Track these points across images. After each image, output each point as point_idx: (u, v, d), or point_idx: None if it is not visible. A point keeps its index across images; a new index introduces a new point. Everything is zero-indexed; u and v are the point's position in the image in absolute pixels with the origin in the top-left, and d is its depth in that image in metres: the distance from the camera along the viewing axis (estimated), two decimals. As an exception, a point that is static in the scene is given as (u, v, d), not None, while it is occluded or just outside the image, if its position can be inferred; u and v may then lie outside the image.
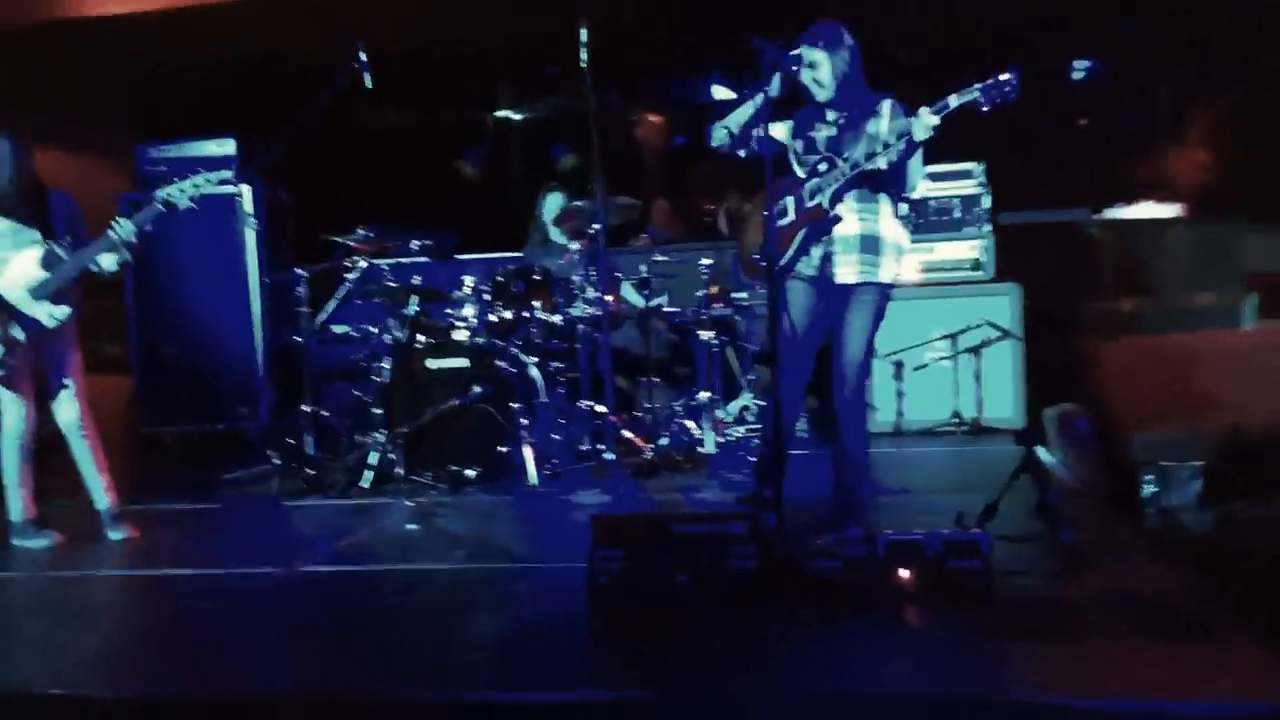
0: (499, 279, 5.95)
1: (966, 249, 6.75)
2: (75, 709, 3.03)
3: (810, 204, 4.16)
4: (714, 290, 6.47)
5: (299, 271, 6.21)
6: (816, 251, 4.20)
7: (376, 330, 6.17)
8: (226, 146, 7.49)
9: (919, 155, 4.06)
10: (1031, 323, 6.66)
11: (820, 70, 4.10)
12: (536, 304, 5.93)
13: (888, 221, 4.19)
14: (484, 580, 4.06)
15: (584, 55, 5.80)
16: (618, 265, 6.29)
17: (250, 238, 7.41)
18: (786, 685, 2.89)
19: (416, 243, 6.84)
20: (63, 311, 4.75)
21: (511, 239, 7.47)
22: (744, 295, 6.87)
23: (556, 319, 5.96)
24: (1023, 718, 2.66)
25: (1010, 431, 6.49)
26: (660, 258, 6.24)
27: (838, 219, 4.12)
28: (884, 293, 4.21)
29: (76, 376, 4.88)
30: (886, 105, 4.12)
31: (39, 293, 4.70)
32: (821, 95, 4.15)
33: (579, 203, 6.08)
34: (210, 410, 7.41)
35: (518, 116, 11.57)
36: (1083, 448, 5.60)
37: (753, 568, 3.45)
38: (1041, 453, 5.97)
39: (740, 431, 6.29)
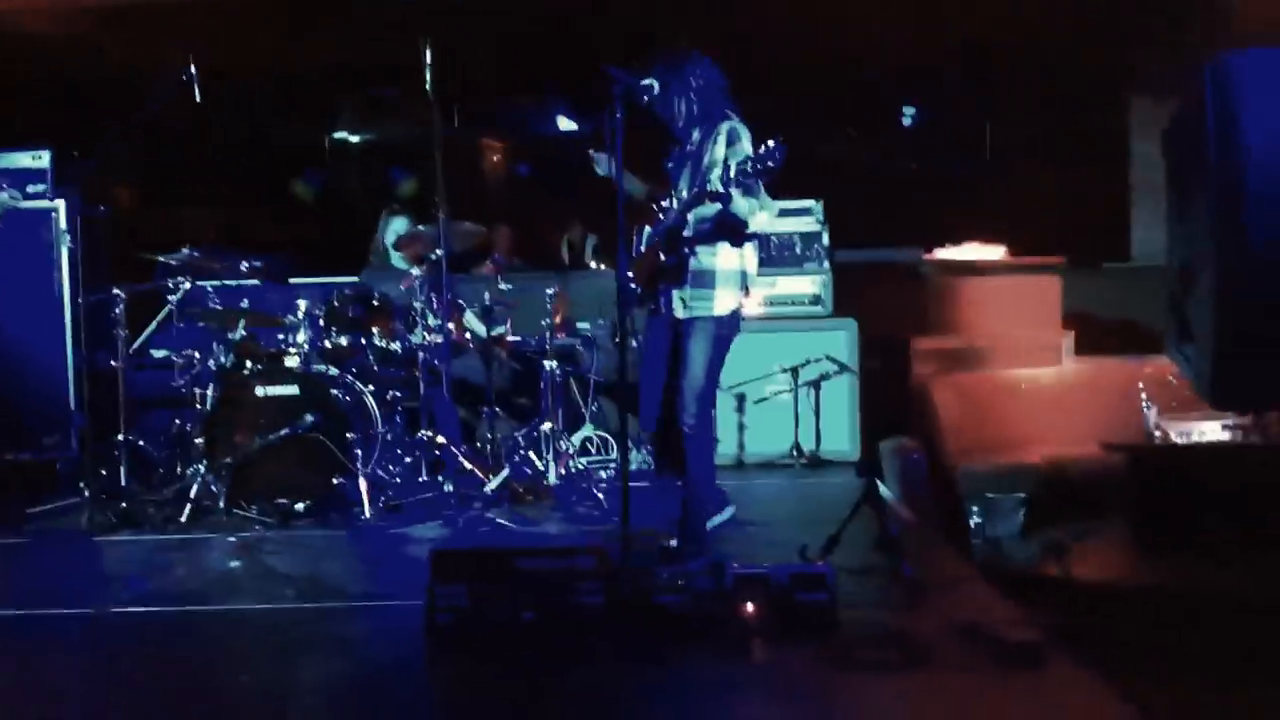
0: (335, 303, 5.74)
1: (807, 284, 6.88)
2: None
3: (648, 245, 4.19)
4: (558, 320, 6.40)
5: (116, 291, 5.85)
6: (661, 288, 4.22)
7: (199, 355, 5.86)
8: (41, 159, 7.01)
9: (746, 197, 4.03)
10: (866, 358, 6.81)
11: (668, 99, 4.10)
12: (375, 330, 5.74)
13: (725, 255, 4.20)
14: (315, 620, 3.86)
15: (428, 78, 5.69)
16: (460, 292, 6.15)
17: (64, 255, 6.95)
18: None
19: (246, 264, 6.56)
20: None
21: (350, 262, 7.26)
22: (586, 325, 6.82)
23: (395, 346, 5.78)
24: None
25: (847, 464, 6.64)
26: (504, 285, 6.13)
27: (671, 260, 4.15)
28: (720, 324, 4.22)
29: None
30: (723, 132, 4.11)
31: None
32: (677, 123, 4.15)
33: (421, 227, 5.93)
34: (13, 438, 6.88)
35: (356, 138, 11.32)
36: (917, 480, 5.74)
37: (600, 603, 3.37)
38: (879, 486, 6.11)
39: (583, 463, 6.21)
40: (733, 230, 4.10)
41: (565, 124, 10.12)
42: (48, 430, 6.94)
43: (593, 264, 9.69)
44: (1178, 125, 5.13)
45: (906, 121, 11.29)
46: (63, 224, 6.91)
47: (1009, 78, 10.17)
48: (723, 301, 4.19)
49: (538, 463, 6.00)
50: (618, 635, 3.33)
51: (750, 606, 3.30)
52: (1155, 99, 10.02)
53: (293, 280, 7.31)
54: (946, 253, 8.66)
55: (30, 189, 6.97)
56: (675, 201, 4.14)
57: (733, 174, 3.80)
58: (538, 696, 3.04)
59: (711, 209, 4.02)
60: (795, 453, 6.59)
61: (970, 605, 3.60)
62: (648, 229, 4.26)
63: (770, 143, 3.74)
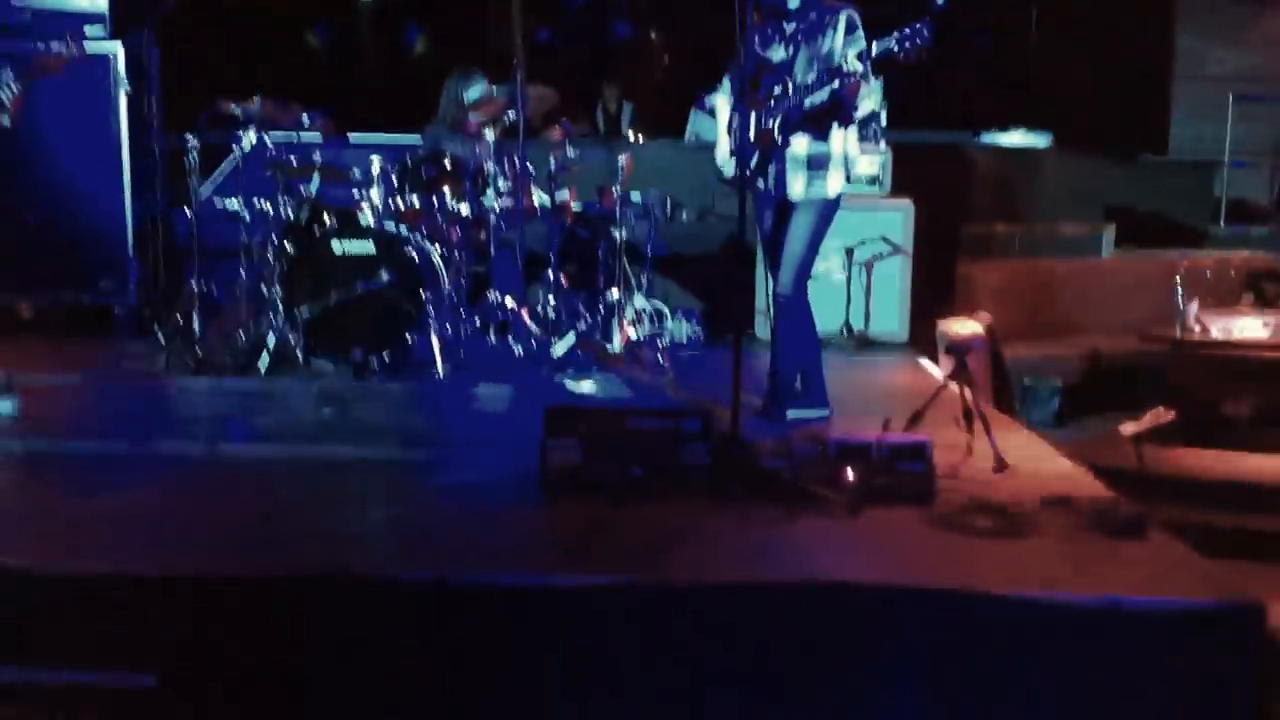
0: (409, 163, 5.77)
1: (866, 164, 6.89)
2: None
3: (765, 127, 4.24)
4: (614, 188, 6.43)
5: (189, 138, 5.86)
6: (771, 169, 4.29)
7: (270, 207, 5.90)
8: (98, 1, 6.93)
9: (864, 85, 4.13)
10: (921, 241, 6.89)
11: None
12: (446, 191, 5.78)
13: (835, 138, 4.30)
14: (416, 466, 4.03)
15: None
16: (527, 158, 6.16)
17: (122, 99, 6.92)
18: (743, 575, 3.00)
19: (308, 118, 6.56)
20: None
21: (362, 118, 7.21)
22: (637, 196, 6.86)
23: (465, 208, 5.83)
24: (985, 609, 2.84)
25: (895, 344, 6.79)
26: (571, 152, 6.15)
27: (786, 143, 4.21)
28: (829, 204, 4.33)
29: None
30: (842, 19, 4.16)
31: None
32: (791, 3, 4.16)
33: (495, 90, 5.92)
34: (71, 282, 6.96)
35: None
36: (967, 359, 5.88)
37: (705, 464, 3.53)
38: (929, 365, 6.27)
39: (644, 331, 6.32)
40: (844, 113, 4.17)
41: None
42: (104, 275, 7.03)
43: (629, 133, 9.66)
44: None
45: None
46: (120, 68, 6.87)
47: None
48: (833, 183, 4.29)
49: (598, 329, 6.12)
50: (722, 494, 3.50)
51: (851, 473, 3.46)
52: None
53: (352, 136, 7.33)
54: (994, 137, 8.68)
55: (88, 30, 6.91)
56: (788, 82, 4.17)
57: (874, 54, 3.84)
58: (645, 537, 3.21)
59: (825, 91, 4.08)
60: (845, 331, 6.72)
61: (1058, 481, 3.76)
62: (751, 116, 4.30)
63: (917, 24, 3.79)
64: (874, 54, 3.95)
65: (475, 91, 6.34)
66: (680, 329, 6.81)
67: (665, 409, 3.98)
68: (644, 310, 6.70)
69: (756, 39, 4.36)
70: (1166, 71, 10.22)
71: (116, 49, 6.85)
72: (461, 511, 3.52)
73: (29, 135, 6.80)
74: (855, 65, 3.95)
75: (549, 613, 2.87)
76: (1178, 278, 6.93)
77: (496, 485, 3.76)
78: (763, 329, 7.04)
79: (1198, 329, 6.86)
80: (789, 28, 4.24)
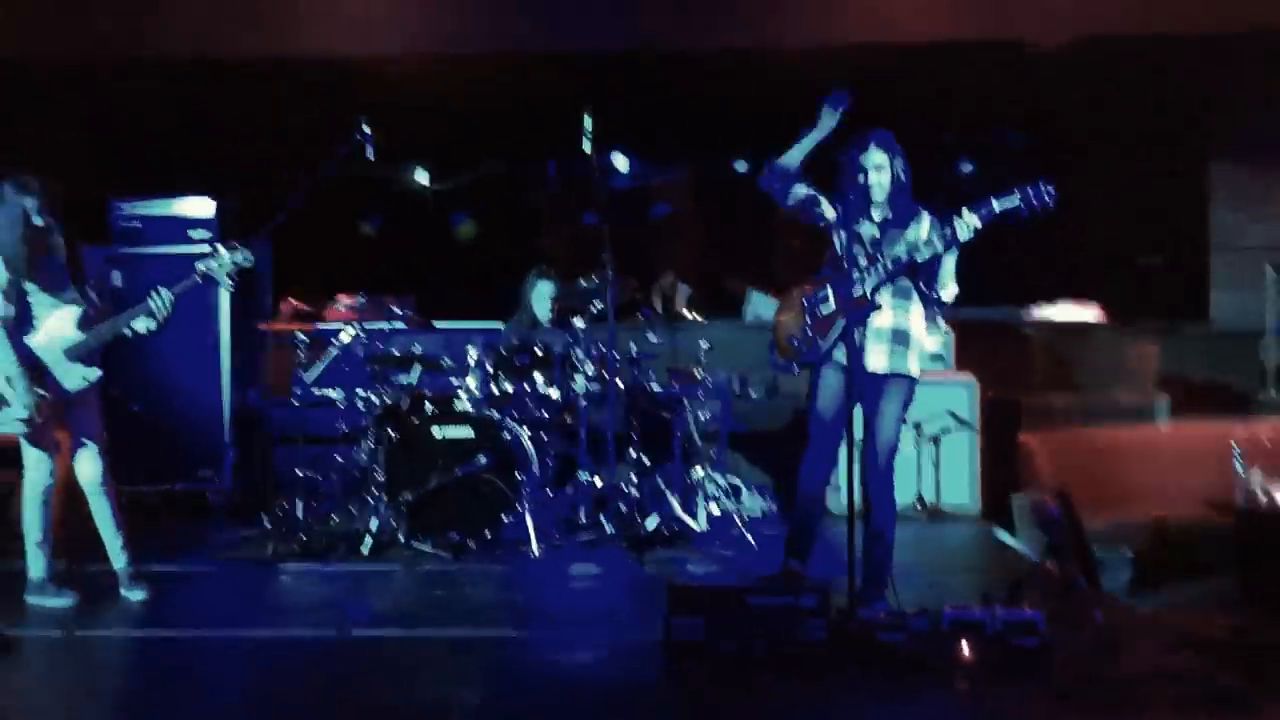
0: (503, 351, 6.11)
1: (930, 342, 7.16)
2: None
3: (855, 295, 4.46)
4: (687, 368, 6.74)
5: (298, 333, 6.26)
6: (850, 340, 4.50)
7: (371, 396, 6.23)
8: (206, 207, 7.45)
9: (953, 259, 4.45)
10: (986, 414, 7.12)
11: (883, 173, 4.46)
12: (537, 377, 6.10)
13: (917, 319, 4.57)
14: (536, 645, 4.20)
15: (587, 141, 6.11)
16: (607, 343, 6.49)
17: (224, 297, 7.37)
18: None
19: (397, 309, 6.97)
20: (93, 373, 4.77)
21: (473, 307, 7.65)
22: (700, 374, 7.15)
23: (554, 393, 6.14)
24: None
25: (967, 517, 6.94)
26: (653, 337, 6.49)
27: (877, 307, 4.45)
28: (912, 383, 4.56)
29: (99, 434, 4.87)
30: (926, 216, 4.51)
31: (72, 354, 4.70)
32: (877, 195, 4.48)
33: (583, 282, 6.30)
34: (170, 470, 7.27)
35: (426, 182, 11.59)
36: (1055, 533, 6.02)
37: (824, 638, 3.70)
38: (1007, 537, 6.42)
39: (724, 508, 6.51)
40: (926, 297, 4.45)
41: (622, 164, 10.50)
42: (203, 463, 7.35)
43: (686, 313, 10.04)
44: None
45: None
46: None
47: (1089, 141, 10.51)
48: (914, 362, 4.53)
49: (678, 507, 6.32)
50: (841, 668, 3.65)
51: (966, 647, 3.61)
52: (1234, 164, 10.40)
53: (437, 325, 7.73)
54: (1045, 311, 9.00)
55: (194, 235, 7.43)
56: (875, 264, 4.44)
57: (998, 211, 4.12)
58: (768, 709, 3.35)
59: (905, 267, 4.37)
60: (919, 505, 6.89)
61: (1160, 653, 3.88)
62: (829, 288, 4.58)
63: (1040, 183, 4.08)
64: (998, 211, 4.17)
65: (543, 292, 6.75)
66: (754, 504, 6.99)
67: (784, 585, 4.14)
68: (721, 486, 6.92)
69: (843, 213, 4.57)
70: (1203, 243, 10.59)
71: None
72: (590, 687, 3.68)
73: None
74: (966, 230, 4.22)
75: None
76: (1236, 446, 7.08)
77: (614, 661, 3.93)
78: (835, 504, 7.24)
79: (1263, 497, 6.97)
80: (878, 213, 4.55)
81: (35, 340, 4.68)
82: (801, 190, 4.65)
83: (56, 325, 4.71)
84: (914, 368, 4.56)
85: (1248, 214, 10.57)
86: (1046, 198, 4.13)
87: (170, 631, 4.43)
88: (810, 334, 4.54)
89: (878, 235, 4.51)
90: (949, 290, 4.51)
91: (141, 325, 4.77)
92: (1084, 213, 10.71)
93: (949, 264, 4.46)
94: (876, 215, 4.54)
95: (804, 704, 3.46)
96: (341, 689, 3.76)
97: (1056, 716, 3.34)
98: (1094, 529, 7.34)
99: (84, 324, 4.73)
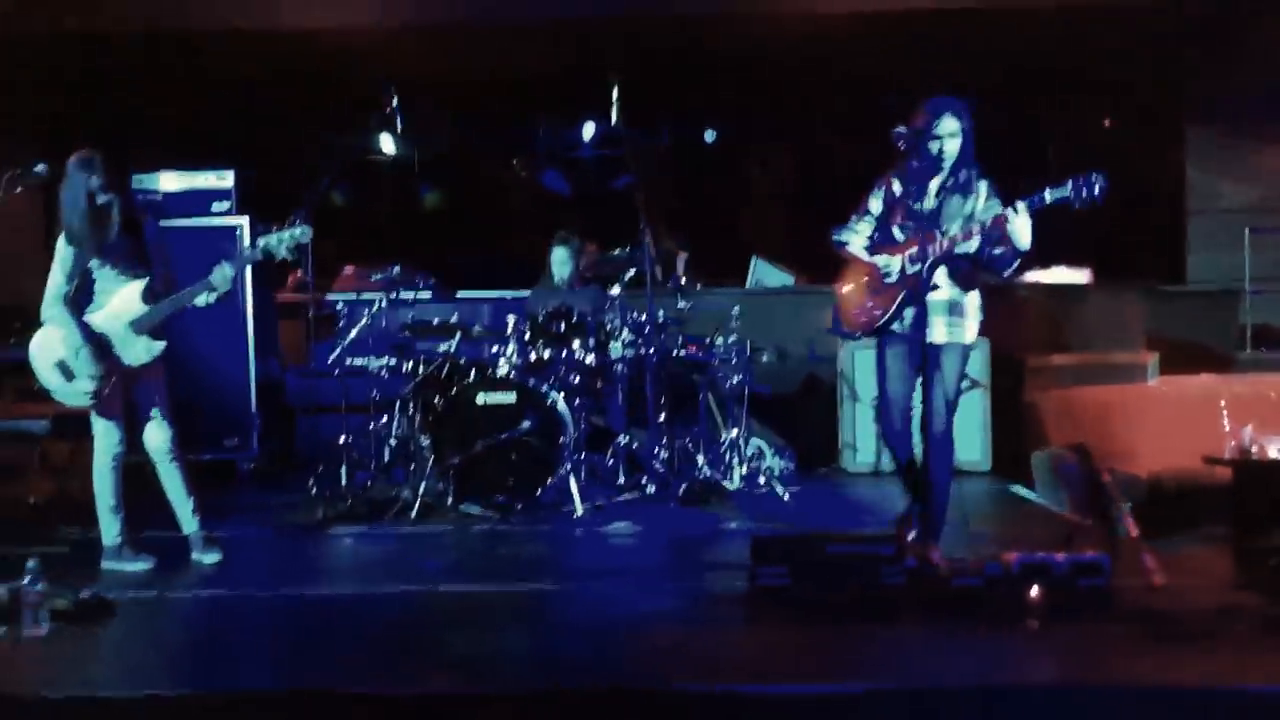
0: (539, 319, 6.26)
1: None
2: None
3: (911, 271, 4.65)
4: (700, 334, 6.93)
5: (337, 301, 6.37)
6: (910, 312, 4.71)
7: (411, 364, 6.36)
8: (225, 179, 7.50)
9: (1017, 240, 4.58)
10: (996, 375, 7.39)
11: (955, 140, 4.56)
12: (574, 344, 6.26)
13: (973, 290, 4.77)
14: (611, 595, 4.39)
15: (615, 112, 6.26)
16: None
17: (247, 270, 7.43)
18: (948, 682, 3.36)
19: (421, 280, 7.09)
20: (159, 345, 4.86)
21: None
22: (719, 341, 7.35)
23: (590, 359, 6.30)
24: (1181, 702, 3.21)
25: (978, 473, 7.22)
26: (682, 304, 6.67)
27: (935, 286, 4.64)
28: (967, 349, 4.78)
29: (165, 403, 4.96)
30: (984, 186, 4.65)
31: (139, 326, 4.79)
32: (944, 164, 4.63)
33: (617, 251, 6.45)
34: (201, 440, 7.35)
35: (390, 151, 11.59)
36: (1076, 486, 6.31)
37: (902, 584, 3.92)
38: (1024, 491, 6.70)
39: (753, 467, 6.73)
40: (991, 267, 4.65)
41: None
42: (229, 433, 7.44)
43: (683, 280, 10.21)
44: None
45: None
46: (246, 240, 7.40)
47: (1070, 102, 10.81)
48: (971, 330, 4.75)
49: (707, 468, 6.52)
50: (918, 611, 3.88)
51: (1036, 590, 3.85)
52: (1207, 126, 10.76)
53: (460, 294, 7.86)
54: (1039, 275, 9.28)
55: (216, 207, 7.49)
56: (936, 232, 4.61)
57: (1049, 201, 4.28)
58: (852, 652, 3.59)
59: (972, 244, 4.54)
60: (934, 460, 7.13)
61: (1216, 588, 4.16)
62: (894, 258, 4.75)
63: (1091, 174, 4.22)
64: (1049, 202, 4.29)
65: (560, 258, 6.89)
66: (775, 464, 7.22)
67: (863, 534, 4.36)
68: (749, 446, 7.14)
69: (898, 186, 4.75)
70: (1181, 206, 10.95)
71: (243, 222, 7.41)
72: (684, 632, 3.89)
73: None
74: (995, 208, 4.42)
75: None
76: (1223, 402, 7.41)
77: (696, 607, 4.14)
78: (850, 462, 7.50)
79: (1255, 449, 7.30)
80: (935, 183, 4.71)
81: (101, 314, 4.76)
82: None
83: (122, 299, 4.79)
84: (969, 336, 4.77)
85: (1224, 176, 10.95)
86: (1097, 189, 4.25)
87: (246, 590, 4.56)
88: (871, 305, 4.72)
89: (936, 207, 4.66)
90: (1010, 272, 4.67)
91: (203, 299, 4.86)
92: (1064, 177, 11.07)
93: (1008, 248, 4.57)
94: (934, 186, 4.69)
95: (886, 644, 3.68)
96: (442, 637, 3.94)
97: (1127, 650, 3.59)
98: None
99: (148, 297, 4.81)
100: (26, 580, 3.87)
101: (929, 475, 4.71)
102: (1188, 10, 9.42)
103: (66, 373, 4.74)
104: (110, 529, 4.85)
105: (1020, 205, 4.38)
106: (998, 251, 4.52)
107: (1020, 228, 4.37)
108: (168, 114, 8.70)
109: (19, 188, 4.50)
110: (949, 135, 4.55)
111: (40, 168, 4.53)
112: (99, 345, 4.74)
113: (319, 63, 8.24)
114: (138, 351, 4.82)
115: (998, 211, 4.47)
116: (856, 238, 4.85)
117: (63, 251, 4.70)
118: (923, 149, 4.53)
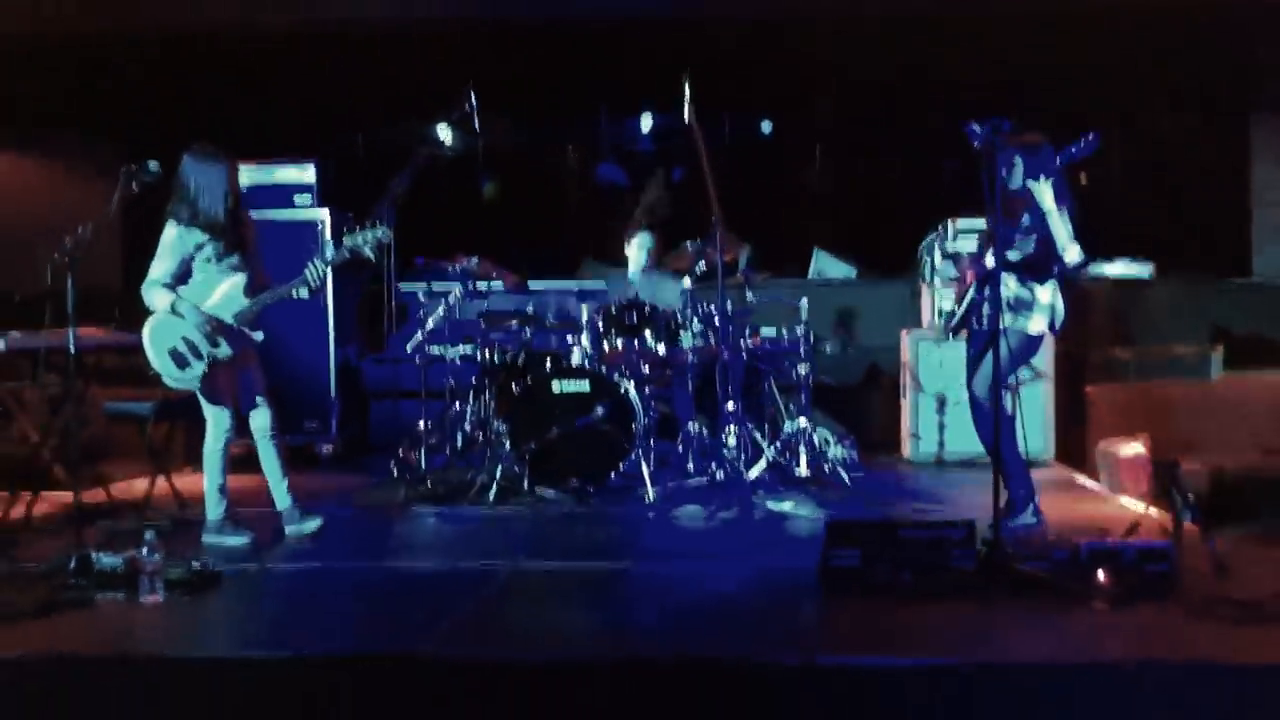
0: (613, 310, 6.45)
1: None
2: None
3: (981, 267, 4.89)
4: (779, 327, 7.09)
5: (418, 291, 6.60)
6: (983, 308, 4.90)
7: (487, 352, 6.59)
8: (307, 172, 7.76)
9: (1062, 225, 4.75)
10: (1061, 367, 7.48)
11: (1016, 171, 4.84)
12: (646, 334, 6.44)
13: (1042, 288, 4.92)
14: (689, 575, 4.58)
15: (687, 108, 6.41)
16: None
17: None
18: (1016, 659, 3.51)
19: (495, 271, 7.30)
20: (257, 335, 5.12)
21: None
22: (771, 333, 7.48)
23: (661, 349, 6.47)
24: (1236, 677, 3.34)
25: (1040, 463, 7.30)
26: (751, 296, 6.83)
27: (996, 279, 4.79)
28: (1029, 339, 4.92)
29: (265, 388, 5.23)
30: (1019, 160, 4.87)
31: (240, 318, 5.04)
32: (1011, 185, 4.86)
33: (689, 243, 6.63)
34: (282, 424, 7.61)
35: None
36: (1138, 476, 6.40)
37: (971, 567, 4.07)
38: (1089, 481, 6.79)
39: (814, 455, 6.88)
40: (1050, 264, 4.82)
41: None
42: (309, 416, 7.73)
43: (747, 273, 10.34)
44: None
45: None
46: (328, 232, 7.67)
47: (1136, 98, 10.79)
48: (1035, 323, 4.89)
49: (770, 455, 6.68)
50: (987, 594, 4.02)
51: (1103, 575, 3.98)
52: (1274, 118, 10.70)
53: (533, 285, 8.07)
54: (1102, 268, 9.32)
55: (298, 200, 7.75)
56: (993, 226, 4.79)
57: (1060, 164, 4.58)
58: (919, 630, 3.73)
59: (1031, 241, 4.71)
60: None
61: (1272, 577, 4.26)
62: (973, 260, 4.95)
63: (1089, 134, 4.57)
64: (1060, 164, 4.66)
65: (642, 241, 7.07)
66: (839, 452, 7.35)
67: (932, 520, 4.50)
68: (816, 436, 7.29)
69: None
70: (1246, 199, 10.90)
71: (324, 215, 7.67)
72: (759, 608, 4.07)
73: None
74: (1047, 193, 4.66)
75: (854, 691, 3.40)
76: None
77: (770, 588, 4.32)
78: (914, 451, 7.62)
79: (1317, 443, 7.31)
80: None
81: (210, 304, 5.02)
82: None
83: (225, 292, 5.05)
84: (1034, 327, 4.92)
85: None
86: (1092, 147, 4.70)
87: (337, 562, 4.82)
88: (954, 303, 4.94)
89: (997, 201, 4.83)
90: (1070, 253, 4.82)
91: (298, 294, 5.12)
92: (1132, 172, 11.06)
93: (1059, 230, 4.75)
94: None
95: (957, 625, 3.83)
96: (525, 609, 4.18)
97: (1190, 633, 3.71)
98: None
99: (250, 290, 5.06)
100: (144, 551, 4.13)
101: (996, 458, 4.85)
102: (1255, 1, 9.39)
103: (179, 360, 5.01)
104: (216, 506, 5.12)
105: (1042, 179, 4.67)
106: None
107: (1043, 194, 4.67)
108: (246, 109, 8.97)
109: (135, 187, 4.74)
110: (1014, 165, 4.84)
111: (154, 166, 4.77)
112: (210, 335, 4.99)
113: (389, 59, 8.49)
114: (240, 341, 5.08)
115: (1019, 182, 4.67)
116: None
117: (172, 237, 4.96)
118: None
